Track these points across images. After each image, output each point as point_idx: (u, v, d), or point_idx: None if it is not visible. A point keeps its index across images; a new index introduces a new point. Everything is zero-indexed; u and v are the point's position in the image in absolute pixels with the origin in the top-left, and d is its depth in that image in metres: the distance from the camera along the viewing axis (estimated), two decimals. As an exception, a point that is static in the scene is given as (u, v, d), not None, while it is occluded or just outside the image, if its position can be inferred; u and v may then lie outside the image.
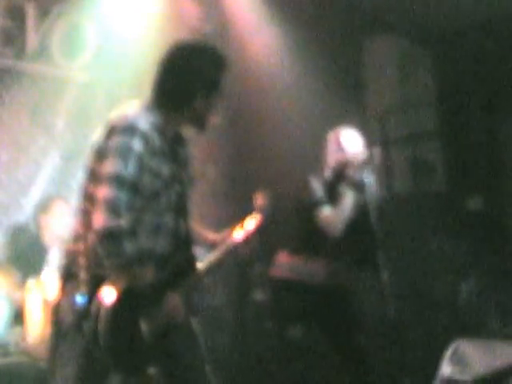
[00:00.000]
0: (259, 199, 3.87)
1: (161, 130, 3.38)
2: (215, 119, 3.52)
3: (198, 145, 3.69)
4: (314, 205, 4.74)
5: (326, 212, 4.72)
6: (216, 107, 3.50)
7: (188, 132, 3.56)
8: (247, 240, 3.71)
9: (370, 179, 4.67)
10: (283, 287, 4.82)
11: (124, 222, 3.18)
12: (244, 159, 6.77)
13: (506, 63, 6.28)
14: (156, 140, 3.33)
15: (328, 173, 4.87)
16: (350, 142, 4.88)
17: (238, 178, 6.65)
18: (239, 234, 3.71)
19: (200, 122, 3.51)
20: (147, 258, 3.29)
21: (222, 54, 3.54)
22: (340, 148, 4.87)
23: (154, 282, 3.26)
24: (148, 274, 3.25)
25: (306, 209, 4.76)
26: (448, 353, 4.80)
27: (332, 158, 4.89)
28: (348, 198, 4.71)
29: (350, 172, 4.74)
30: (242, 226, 3.75)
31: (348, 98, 6.54)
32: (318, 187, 4.77)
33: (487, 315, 5.64)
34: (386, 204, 4.86)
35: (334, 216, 4.70)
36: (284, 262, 4.85)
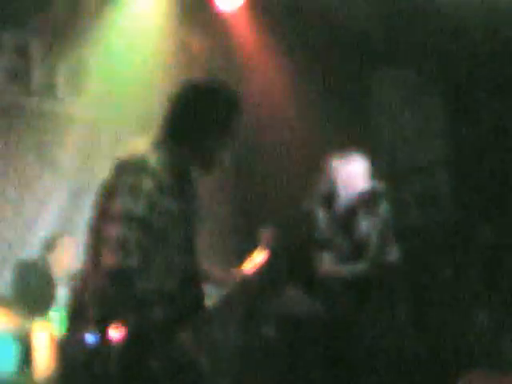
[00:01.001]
0: (266, 234, 3.85)
1: (169, 168, 3.36)
2: (224, 160, 3.49)
3: (205, 181, 3.66)
4: (315, 245, 4.65)
5: (325, 262, 4.61)
6: (226, 148, 3.47)
7: (196, 169, 3.53)
8: (255, 276, 3.67)
9: (384, 211, 4.63)
10: (291, 322, 4.76)
11: (134, 261, 3.15)
12: (252, 195, 6.75)
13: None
14: (165, 177, 3.31)
15: (339, 207, 4.82)
16: (358, 175, 4.84)
17: (245, 215, 6.62)
18: (247, 270, 3.69)
19: (208, 163, 3.47)
20: (156, 297, 3.26)
21: (235, 94, 3.51)
22: (349, 180, 4.83)
23: (163, 320, 3.23)
24: (157, 313, 3.23)
25: (309, 245, 4.69)
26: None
27: (342, 191, 4.84)
28: (355, 269, 4.59)
29: (362, 207, 4.69)
30: (250, 262, 3.72)
31: (356, 130, 6.53)
32: (322, 219, 4.71)
33: (501, 346, 5.58)
34: (397, 236, 4.81)
35: (332, 271, 4.59)
36: (291, 297, 4.79)
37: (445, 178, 6.87)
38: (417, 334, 4.99)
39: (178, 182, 3.39)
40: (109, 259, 3.14)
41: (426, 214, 6.87)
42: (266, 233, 3.90)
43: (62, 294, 5.34)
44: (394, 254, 4.57)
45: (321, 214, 4.74)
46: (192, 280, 3.45)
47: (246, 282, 3.66)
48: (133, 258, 3.15)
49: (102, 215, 3.29)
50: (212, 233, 6.11)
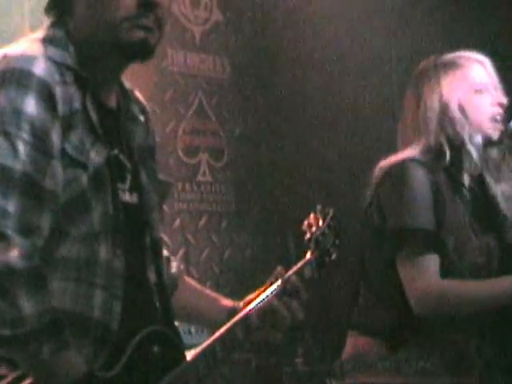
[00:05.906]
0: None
1: (78, 82, 1.78)
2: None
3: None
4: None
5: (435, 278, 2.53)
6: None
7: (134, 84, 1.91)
8: (289, 301, 1.99)
9: None
10: None
11: (16, 258, 1.60)
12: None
13: None
14: (67, 96, 1.75)
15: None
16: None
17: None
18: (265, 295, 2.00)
19: (130, 43, 1.77)
20: (69, 326, 1.67)
21: None
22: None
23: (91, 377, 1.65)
24: (72, 359, 1.64)
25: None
26: None
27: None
28: None
29: None
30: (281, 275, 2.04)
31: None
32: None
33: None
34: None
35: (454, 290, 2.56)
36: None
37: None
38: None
39: (92, 103, 1.78)
40: None
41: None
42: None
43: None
44: None
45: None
46: (150, 303, 1.86)
47: (261, 316, 1.98)
48: (13, 253, 1.60)
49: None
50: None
